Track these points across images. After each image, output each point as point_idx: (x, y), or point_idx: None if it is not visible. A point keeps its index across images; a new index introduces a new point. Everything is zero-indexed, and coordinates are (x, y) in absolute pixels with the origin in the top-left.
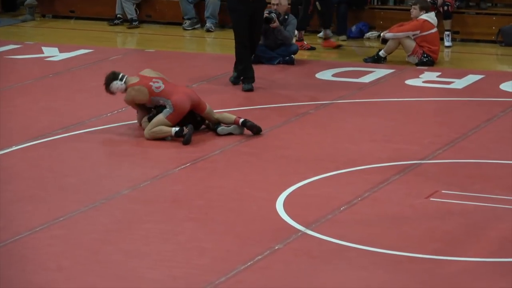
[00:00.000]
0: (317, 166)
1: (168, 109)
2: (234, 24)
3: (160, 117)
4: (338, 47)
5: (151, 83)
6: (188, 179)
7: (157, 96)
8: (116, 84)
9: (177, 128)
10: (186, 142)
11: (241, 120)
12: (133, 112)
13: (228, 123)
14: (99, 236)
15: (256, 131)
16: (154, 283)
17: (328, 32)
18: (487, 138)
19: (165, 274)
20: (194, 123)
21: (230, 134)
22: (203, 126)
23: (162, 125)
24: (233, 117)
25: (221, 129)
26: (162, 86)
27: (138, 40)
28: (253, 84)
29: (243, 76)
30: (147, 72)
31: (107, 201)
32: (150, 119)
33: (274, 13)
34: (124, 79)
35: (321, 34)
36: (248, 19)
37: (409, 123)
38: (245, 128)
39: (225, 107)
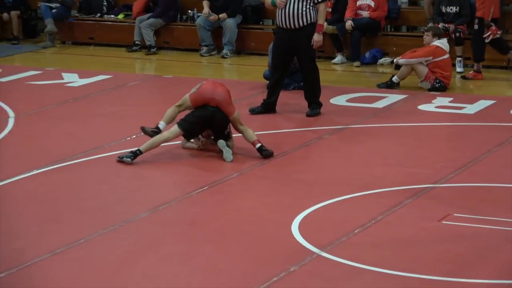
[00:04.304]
0: (331, 190)
1: (194, 89)
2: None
3: (186, 95)
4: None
5: None
6: (205, 202)
7: None
8: None
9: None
10: (122, 158)
11: (258, 145)
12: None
13: (247, 140)
14: (117, 258)
15: (268, 156)
16: None
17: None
18: (498, 163)
19: None
20: (220, 136)
21: (221, 151)
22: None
23: (185, 100)
24: (254, 137)
25: (220, 142)
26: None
27: (156, 66)
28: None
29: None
30: None
31: (126, 223)
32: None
33: None
34: None
35: (336, 60)
36: (285, 48)
37: (422, 148)
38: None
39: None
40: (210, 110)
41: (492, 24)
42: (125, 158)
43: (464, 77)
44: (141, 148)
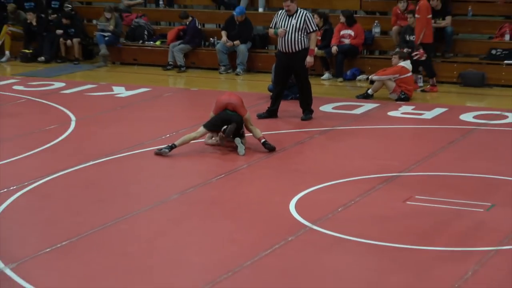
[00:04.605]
0: (321, 177)
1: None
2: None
3: (211, 113)
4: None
5: None
6: (223, 187)
7: None
8: None
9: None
10: (160, 150)
11: (263, 140)
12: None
13: (255, 136)
14: (155, 230)
15: (271, 149)
16: (197, 265)
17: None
18: (450, 156)
19: (207, 258)
20: (237, 135)
21: (236, 146)
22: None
23: (211, 117)
24: (260, 134)
25: (237, 140)
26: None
27: (185, 81)
28: (267, 115)
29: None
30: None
31: (161, 203)
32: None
33: None
34: None
35: (324, 77)
36: (285, 67)
37: (391, 145)
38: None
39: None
40: (229, 114)
41: (420, 47)
42: (163, 150)
43: (423, 90)
44: (176, 143)
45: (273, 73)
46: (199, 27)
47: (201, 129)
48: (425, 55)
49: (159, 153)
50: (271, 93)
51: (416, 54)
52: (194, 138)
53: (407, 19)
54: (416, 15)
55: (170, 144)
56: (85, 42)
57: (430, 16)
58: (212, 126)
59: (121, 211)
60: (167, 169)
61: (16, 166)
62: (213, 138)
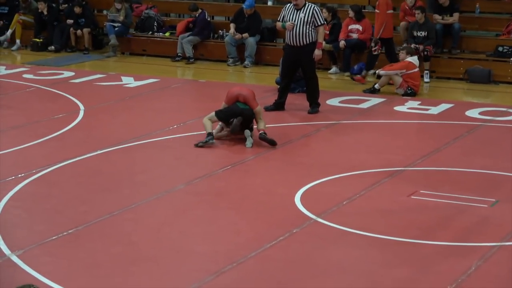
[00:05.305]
0: (326, 170)
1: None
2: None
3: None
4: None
5: None
6: (228, 178)
7: None
8: None
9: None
10: (206, 142)
11: (261, 132)
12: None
13: (257, 127)
14: (160, 220)
15: (269, 143)
16: (202, 255)
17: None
18: (455, 152)
19: (210, 249)
20: (247, 127)
21: (245, 139)
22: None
23: (223, 106)
24: (262, 127)
25: (246, 132)
26: None
27: (193, 73)
28: (274, 107)
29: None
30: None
31: (167, 193)
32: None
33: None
34: None
35: (331, 71)
36: (292, 60)
37: (396, 139)
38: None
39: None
40: (240, 107)
41: (379, 41)
42: (210, 141)
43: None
44: (209, 131)
45: (280, 66)
46: (209, 19)
47: (211, 115)
48: (380, 50)
49: (203, 145)
50: (278, 86)
51: (375, 48)
52: (211, 119)
53: (414, 15)
54: (376, 10)
55: (208, 133)
56: (95, 32)
57: (390, 11)
58: (222, 116)
59: (127, 201)
60: (173, 159)
61: (24, 154)
62: (222, 131)
